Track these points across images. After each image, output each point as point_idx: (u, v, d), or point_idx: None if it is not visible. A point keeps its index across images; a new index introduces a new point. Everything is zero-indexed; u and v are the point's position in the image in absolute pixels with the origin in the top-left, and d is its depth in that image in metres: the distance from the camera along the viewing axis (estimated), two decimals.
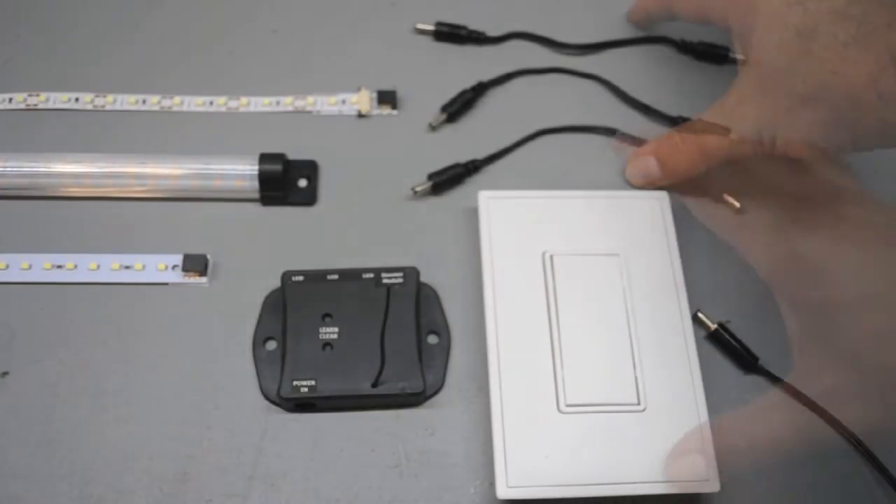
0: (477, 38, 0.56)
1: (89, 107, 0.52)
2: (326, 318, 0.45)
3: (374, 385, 0.43)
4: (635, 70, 0.55)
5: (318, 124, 0.53)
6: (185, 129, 0.52)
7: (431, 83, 0.54)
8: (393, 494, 0.42)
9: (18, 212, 0.49)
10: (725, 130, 0.52)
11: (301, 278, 0.46)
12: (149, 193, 0.49)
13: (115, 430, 0.43)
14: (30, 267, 0.47)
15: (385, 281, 0.46)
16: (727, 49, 0.55)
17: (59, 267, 0.47)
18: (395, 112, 0.53)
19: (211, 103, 0.53)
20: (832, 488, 0.43)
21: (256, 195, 0.49)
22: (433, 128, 0.53)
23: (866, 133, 0.36)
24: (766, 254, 0.37)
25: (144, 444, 0.43)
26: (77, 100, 0.52)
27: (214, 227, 0.49)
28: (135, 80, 0.53)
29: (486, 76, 0.54)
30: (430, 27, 0.55)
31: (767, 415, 0.37)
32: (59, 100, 0.52)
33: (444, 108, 0.53)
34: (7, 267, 0.47)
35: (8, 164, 0.49)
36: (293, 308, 0.45)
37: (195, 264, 0.47)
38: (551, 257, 0.45)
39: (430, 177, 0.50)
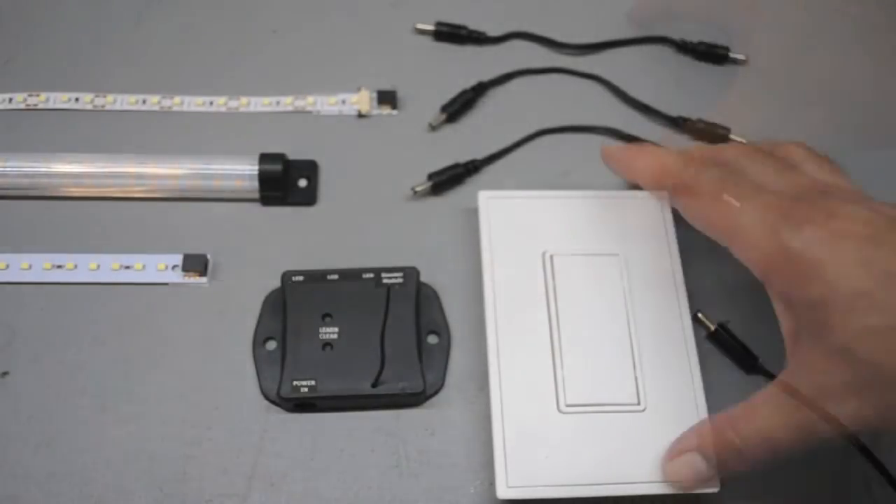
0: (477, 38, 0.56)
1: (89, 107, 0.52)
2: (326, 318, 0.45)
3: (374, 385, 0.43)
4: (635, 70, 0.55)
5: (318, 124, 0.53)
6: (185, 129, 0.52)
7: (431, 83, 0.54)
8: (393, 494, 0.42)
9: (18, 212, 0.49)
10: (726, 130, 0.52)
11: (301, 278, 0.46)
12: (149, 193, 0.49)
13: (115, 430, 0.43)
14: (30, 267, 0.47)
15: (385, 281, 0.46)
16: (727, 49, 0.55)
17: (59, 267, 0.47)
18: (395, 112, 0.53)
19: (211, 103, 0.53)
20: (832, 489, 0.43)
21: (256, 195, 0.49)
22: (433, 128, 0.53)
23: None
24: (758, 252, 0.37)
25: (144, 444, 0.43)
26: (77, 100, 0.52)
27: (214, 227, 0.49)
28: (135, 80, 0.53)
29: (486, 76, 0.54)
30: (430, 27, 0.55)
31: (760, 412, 0.37)
32: (59, 100, 0.52)
33: (444, 108, 0.53)
34: (7, 267, 0.47)
35: (8, 164, 0.48)
36: (293, 308, 0.45)
37: (195, 264, 0.47)
38: (551, 257, 0.45)
39: (430, 177, 0.50)
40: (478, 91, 0.53)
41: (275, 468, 0.43)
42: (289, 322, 0.45)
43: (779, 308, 0.37)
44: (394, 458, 0.43)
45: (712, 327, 0.46)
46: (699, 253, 0.46)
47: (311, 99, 0.53)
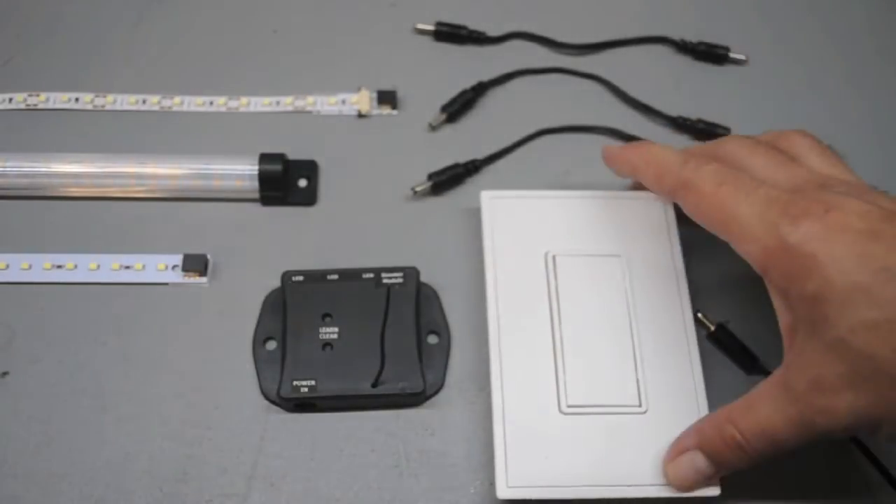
0: (477, 38, 0.56)
1: (89, 107, 0.52)
2: (326, 318, 0.45)
3: (374, 385, 0.43)
4: (635, 70, 0.55)
5: (318, 124, 0.53)
6: (185, 129, 0.52)
7: (431, 83, 0.54)
8: (393, 494, 0.42)
9: (18, 212, 0.49)
10: (726, 130, 0.52)
11: (301, 278, 0.46)
12: (149, 193, 0.49)
13: (115, 430, 0.43)
14: (30, 267, 0.47)
15: (385, 281, 0.46)
16: (727, 49, 0.55)
17: (59, 267, 0.47)
18: (395, 112, 0.53)
19: (211, 103, 0.53)
20: (832, 489, 0.43)
21: (256, 195, 0.49)
22: (433, 128, 0.53)
23: None
24: (757, 246, 0.37)
25: (144, 444, 0.43)
26: (77, 100, 0.52)
27: (214, 227, 0.49)
28: (135, 80, 0.53)
29: (486, 76, 0.54)
30: (430, 27, 0.55)
31: (760, 406, 0.37)
32: (59, 100, 0.52)
33: (444, 108, 0.53)
34: (7, 267, 0.47)
35: (8, 164, 0.48)
36: (293, 308, 0.45)
37: (195, 264, 0.47)
38: (554, 258, 0.44)
39: (430, 177, 0.50)
40: (478, 91, 0.53)
41: (275, 468, 0.43)
42: (289, 322, 0.45)
43: (777, 302, 0.38)
44: (394, 458, 0.43)
45: (712, 327, 0.46)
46: (699, 252, 0.46)
47: (311, 99, 0.53)
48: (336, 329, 0.44)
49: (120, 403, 0.44)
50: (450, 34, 0.55)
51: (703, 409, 0.42)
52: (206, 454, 0.43)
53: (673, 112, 0.53)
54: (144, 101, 0.53)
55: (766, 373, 0.45)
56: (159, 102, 0.53)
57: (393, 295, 0.45)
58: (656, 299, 0.44)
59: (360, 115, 0.53)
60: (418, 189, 0.50)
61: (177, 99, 0.53)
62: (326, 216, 0.50)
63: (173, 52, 0.55)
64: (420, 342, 0.45)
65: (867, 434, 0.36)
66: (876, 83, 0.56)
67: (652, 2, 0.58)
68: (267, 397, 0.44)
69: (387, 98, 0.53)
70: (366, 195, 0.50)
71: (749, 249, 0.37)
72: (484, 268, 0.45)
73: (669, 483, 0.40)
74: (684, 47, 0.56)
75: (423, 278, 0.46)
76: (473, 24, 0.56)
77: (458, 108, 0.53)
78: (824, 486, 0.43)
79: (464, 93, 0.53)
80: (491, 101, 0.54)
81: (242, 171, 0.49)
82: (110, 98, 0.53)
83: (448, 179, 0.50)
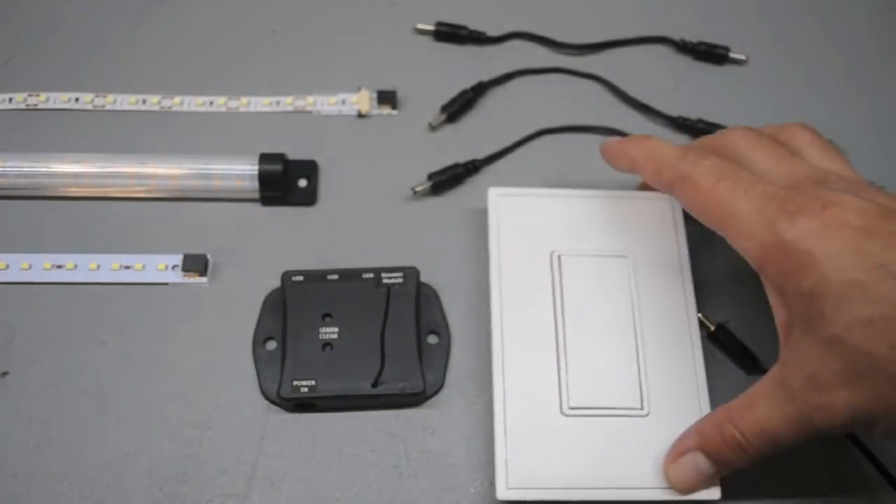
0: (477, 38, 0.56)
1: (89, 107, 0.52)
2: (326, 318, 0.45)
3: (374, 385, 0.43)
4: (635, 70, 0.55)
5: (318, 124, 0.53)
6: (185, 129, 0.52)
7: (431, 83, 0.54)
8: (393, 494, 0.42)
9: (18, 212, 0.49)
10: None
11: (301, 278, 0.46)
12: (149, 193, 0.49)
13: (115, 430, 0.43)
14: (30, 267, 0.47)
15: (385, 281, 0.46)
16: (727, 49, 0.55)
17: (59, 267, 0.47)
18: (395, 112, 0.53)
19: (211, 103, 0.53)
20: (831, 489, 0.43)
21: (256, 195, 0.49)
22: (433, 128, 0.53)
23: None
24: (754, 243, 0.37)
25: (144, 444, 0.43)
26: (77, 100, 0.52)
27: (214, 227, 0.49)
28: (135, 80, 0.53)
29: (486, 76, 0.54)
30: (430, 27, 0.55)
31: (758, 405, 0.37)
32: (59, 100, 0.52)
33: (444, 108, 0.53)
34: (7, 267, 0.47)
35: (8, 164, 0.49)
36: (293, 308, 0.45)
37: (195, 264, 0.47)
38: (559, 257, 0.44)
39: (430, 177, 0.50)
40: (478, 91, 0.53)
41: (275, 468, 0.43)
42: (289, 322, 0.45)
43: (773, 299, 0.38)
44: (394, 458, 0.43)
45: (712, 327, 0.46)
46: (698, 251, 0.46)
47: (311, 99, 0.53)
48: (336, 329, 0.44)
49: (120, 403, 0.44)
50: (450, 34, 0.55)
51: (706, 412, 0.41)
52: (206, 454, 0.43)
53: (673, 112, 0.53)
54: (144, 101, 0.53)
55: (766, 373, 0.45)
56: (159, 102, 0.53)
57: (393, 295, 0.45)
58: (661, 301, 0.44)
59: (360, 115, 0.53)
60: (418, 189, 0.50)
61: (177, 99, 0.53)
62: (326, 216, 0.50)
63: (173, 52, 0.55)
64: (420, 342, 0.45)
65: (863, 430, 0.36)
66: (876, 83, 0.56)
67: (652, 2, 0.58)
68: (267, 397, 0.44)
69: (387, 98, 0.53)
70: (366, 195, 0.50)
71: (746, 246, 0.37)
72: (488, 266, 0.44)
73: (671, 485, 0.40)
74: (684, 47, 0.56)
75: (423, 278, 0.46)
76: (473, 24, 0.56)
77: (458, 108, 0.53)
78: (823, 486, 0.43)
79: (464, 93, 0.53)
80: (491, 101, 0.54)
81: (242, 171, 0.49)
82: (110, 98, 0.53)
83: (448, 179, 0.50)
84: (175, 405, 0.44)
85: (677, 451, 0.40)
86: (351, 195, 0.50)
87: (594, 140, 0.52)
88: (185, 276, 0.47)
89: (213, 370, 0.45)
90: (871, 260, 0.34)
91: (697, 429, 0.39)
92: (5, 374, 0.44)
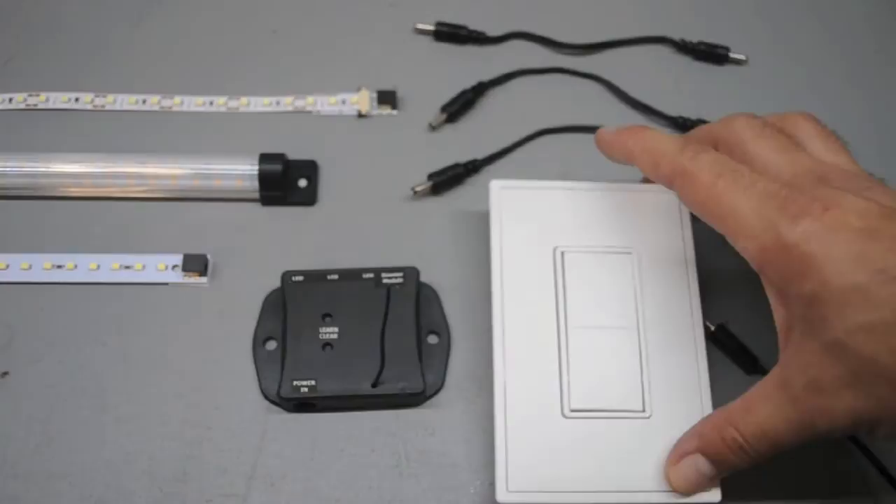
0: (477, 38, 0.56)
1: (89, 107, 0.52)
2: (326, 318, 0.45)
3: (374, 385, 0.43)
4: (635, 70, 0.55)
5: (318, 124, 0.53)
6: (185, 129, 0.52)
7: (431, 83, 0.54)
8: (393, 494, 0.42)
9: (18, 212, 0.49)
10: None
11: (301, 278, 0.46)
12: (149, 193, 0.49)
13: (115, 430, 0.43)
14: (30, 267, 0.47)
15: (385, 281, 0.46)
16: (727, 49, 0.55)
17: (59, 267, 0.47)
18: (395, 112, 0.53)
19: (211, 103, 0.53)
20: (831, 489, 0.43)
21: (256, 195, 0.49)
22: (433, 128, 0.53)
23: None
24: (754, 243, 0.37)
25: (144, 444, 0.43)
26: (77, 100, 0.52)
27: (214, 227, 0.49)
28: (135, 80, 0.53)
29: (486, 76, 0.54)
30: (430, 27, 0.55)
31: (759, 407, 0.36)
32: (59, 100, 0.52)
33: (444, 108, 0.53)
34: (7, 267, 0.47)
35: (8, 164, 0.49)
36: (293, 308, 0.45)
37: (195, 264, 0.47)
38: (562, 254, 0.43)
39: (430, 177, 0.50)
40: (478, 91, 0.53)
41: (275, 468, 0.43)
42: (289, 322, 0.45)
43: (773, 300, 0.37)
44: (394, 458, 0.43)
45: (712, 327, 0.46)
46: (697, 249, 0.46)
47: (311, 99, 0.53)
48: (336, 329, 0.44)
49: (120, 403, 0.44)
50: (450, 34, 0.55)
51: (707, 414, 0.41)
52: (206, 454, 0.43)
53: (673, 112, 0.53)
54: (144, 101, 0.53)
55: (766, 373, 0.45)
56: (159, 102, 0.53)
57: (393, 295, 0.45)
58: (666, 299, 0.43)
59: (360, 115, 0.53)
60: (418, 189, 0.50)
61: (177, 99, 0.53)
62: (326, 216, 0.50)
63: (173, 52, 0.55)
64: (420, 342, 0.45)
65: (865, 434, 0.36)
66: (876, 83, 0.56)
67: (652, 2, 0.58)
68: (267, 397, 0.44)
69: (387, 98, 0.53)
70: (366, 195, 0.50)
71: (746, 246, 0.37)
72: (489, 264, 0.43)
73: (672, 487, 0.39)
74: (684, 47, 0.56)
75: (423, 278, 0.46)
76: (473, 24, 0.56)
77: (458, 108, 0.53)
78: (823, 486, 0.43)
79: (464, 93, 0.53)
80: (491, 101, 0.54)
81: (242, 171, 0.49)
82: (110, 98, 0.53)
83: (448, 179, 0.50)
84: (175, 405, 0.44)
85: (678, 454, 0.39)
86: (351, 195, 0.50)
87: (594, 140, 0.52)
88: (185, 276, 0.47)
89: (213, 370, 0.45)
90: (873, 264, 0.33)
91: (698, 431, 0.39)
92: (5, 374, 0.44)
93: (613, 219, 0.45)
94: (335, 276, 0.46)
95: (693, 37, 0.56)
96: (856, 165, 0.39)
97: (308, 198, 0.50)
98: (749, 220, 0.36)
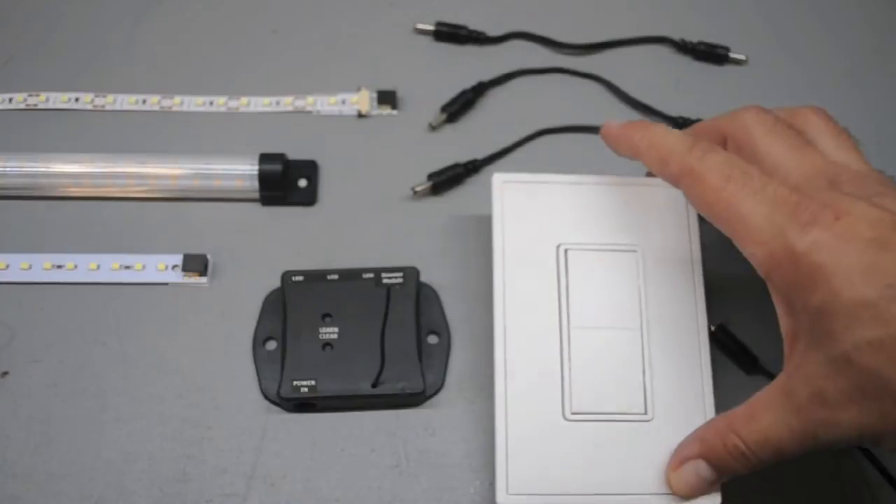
0: (477, 38, 0.56)
1: (89, 107, 0.52)
2: (326, 318, 0.45)
3: (374, 385, 0.43)
4: (635, 70, 0.55)
5: (318, 124, 0.53)
6: (185, 129, 0.52)
7: (431, 83, 0.54)
8: (393, 494, 0.42)
9: (18, 212, 0.49)
10: None
11: (301, 278, 0.46)
12: (149, 193, 0.49)
13: (115, 430, 0.43)
14: (30, 267, 0.47)
15: (385, 281, 0.46)
16: (727, 49, 0.55)
17: (59, 267, 0.47)
18: (395, 112, 0.53)
19: (211, 103, 0.53)
20: (832, 489, 0.43)
21: (256, 195, 0.49)
22: (433, 128, 0.53)
23: None
24: (763, 250, 0.36)
25: (144, 444, 0.43)
26: (77, 100, 0.52)
27: (214, 227, 0.49)
28: (135, 80, 0.53)
29: (486, 76, 0.54)
30: (430, 27, 0.55)
31: (763, 415, 0.36)
32: (59, 100, 0.52)
33: (444, 108, 0.53)
34: (7, 267, 0.47)
35: (8, 164, 0.49)
36: (293, 308, 0.45)
37: (195, 264, 0.47)
38: (566, 251, 0.43)
39: (430, 177, 0.50)
40: (478, 91, 0.53)
41: (275, 468, 0.43)
42: (289, 322, 0.45)
43: (779, 307, 0.37)
44: (394, 458, 0.43)
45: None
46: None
47: (311, 99, 0.53)
48: (336, 329, 0.44)
49: (120, 403, 0.44)
50: (450, 34, 0.55)
51: (710, 418, 0.40)
52: (206, 454, 0.43)
53: (673, 112, 0.53)
54: (144, 101, 0.53)
55: (766, 373, 0.45)
56: (159, 102, 0.53)
57: (393, 295, 0.45)
58: (670, 299, 0.42)
59: (360, 115, 0.53)
60: (418, 189, 0.50)
61: (177, 99, 0.53)
62: (326, 216, 0.50)
63: (173, 52, 0.55)
64: (420, 342, 0.45)
65: (869, 446, 0.35)
66: (876, 83, 0.56)
67: (652, 2, 0.58)
68: (267, 397, 0.44)
69: (387, 98, 0.53)
70: (366, 195, 0.50)
71: (754, 252, 0.36)
72: (491, 260, 0.43)
73: (673, 491, 0.39)
74: (684, 47, 0.56)
75: (423, 278, 0.46)
76: (473, 24, 0.56)
77: (458, 108, 0.53)
78: (823, 487, 0.43)
79: (464, 93, 0.53)
80: (491, 101, 0.54)
81: (242, 171, 0.49)
82: (110, 98, 0.53)
83: (448, 179, 0.50)
84: (175, 405, 0.44)
85: (679, 459, 0.39)
86: (351, 195, 0.50)
87: (594, 140, 0.52)
88: (185, 276, 0.47)
89: (213, 370, 0.45)
90: (884, 278, 0.33)
91: (699, 436, 0.39)
92: (5, 374, 0.44)
93: (618, 214, 0.44)
94: (335, 276, 0.46)
95: (693, 37, 0.56)
96: (867, 165, 0.38)
97: (308, 198, 0.50)
98: (758, 227, 0.36)
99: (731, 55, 0.55)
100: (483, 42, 0.56)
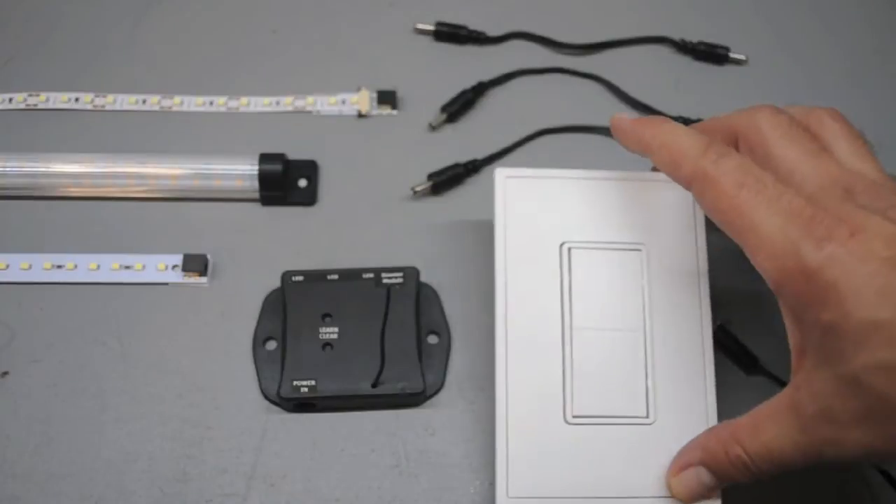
0: (477, 38, 0.56)
1: (89, 107, 0.52)
2: (326, 318, 0.45)
3: (374, 385, 0.43)
4: (635, 70, 0.55)
5: (318, 124, 0.53)
6: (185, 129, 0.52)
7: (431, 83, 0.54)
8: (393, 494, 0.42)
9: (18, 212, 0.49)
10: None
11: (301, 278, 0.46)
12: (149, 193, 0.49)
13: (115, 430, 0.43)
14: (30, 267, 0.47)
15: (385, 281, 0.46)
16: (727, 49, 0.55)
17: (59, 267, 0.47)
18: (395, 112, 0.53)
19: (211, 103, 0.53)
20: (832, 490, 0.43)
21: (256, 195, 0.49)
22: (433, 128, 0.53)
23: None
24: (775, 263, 0.35)
25: (144, 444, 0.43)
26: (77, 100, 0.52)
27: (214, 227, 0.49)
28: (135, 80, 0.53)
29: (486, 76, 0.54)
30: (430, 27, 0.55)
31: (767, 428, 0.35)
32: (59, 100, 0.52)
33: (444, 108, 0.53)
34: (7, 267, 0.47)
35: (8, 164, 0.49)
36: (293, 308, 0.45)
37: (195, 264, 0.47)
38: (569, 250, 0.42)
39: (430, 177, 0.50)
40: (478, 91, 0.53)
41: (275, 468, 0.43)
42: (289, 322, 0.45)
43: (788, 321, 0.35)
44: (394, 458, 0.43)
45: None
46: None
47: (311, 99, 0.53)
48: (336, 329, 0.44)
49: (120, 403, 0.44)
50: (450, 34, 0.55)
51: (713, 422, 0.40)
52: (206, 454, 0.43)
53: (673, 112, 0.53)
54: (144, 101, 0.53)
55: (766, 373, 0.45)
56: (159, 102, 0.53)
57: (393, 295, 0.45)
58: (674, 300, 0.42)
59: (360, 115, 0.53)
60: (418, 189, 0.50)
61: (177, 99, 0.53)
62: (326, 216, 0.50)
63: (173, 52, 0.55)
64: (420, 342, 0.45)
65: (875, 464, 0.35)
66: (876, 83, 0.56)
67: (652, 2, 0.58)
68: (267, 397, 0.44)
69: (387, 98, 0.53)
70: (366, 195, 0.50)
71: (765, 265, 0.35)
72: (493, 258, 0.42)
73: (674, 496, 0.39)
74: (684, 47, 0.56)
75: (423, 278, 0.47)
76: (473, 24, 0.56)
77: (458, 108, 0.53)
78: (824, 487, 0.43)
79: (464, 93, 0.53)
80: (491, 101, 0.54)
81: (242, 171, 0.49)
82: (110, 98, 0.53)
83: (448, 179, 0.50)
84: (175, 405, 0.44)
85: (680, 465, 0.39)
86: (351, 195, 0.50)
87: (594, 140, 0.52)
88: (185, 276, 0.47)
89: (213, 370, 0.45)
90: (894, 298, 0.32)
91: (702, 444, 0.38)
92: (5, 374, 0.44)
93: (623, 211, 0.43)
94: (335, 276, 0.46)
95: (693, 37, 0.56)
96: (882, 173, 0.37)
97: (308, 198, 0.50)
98: (770, 239, 0.35)
99: (731, 55, 0.55)
100: (483, 42, 0.56)
